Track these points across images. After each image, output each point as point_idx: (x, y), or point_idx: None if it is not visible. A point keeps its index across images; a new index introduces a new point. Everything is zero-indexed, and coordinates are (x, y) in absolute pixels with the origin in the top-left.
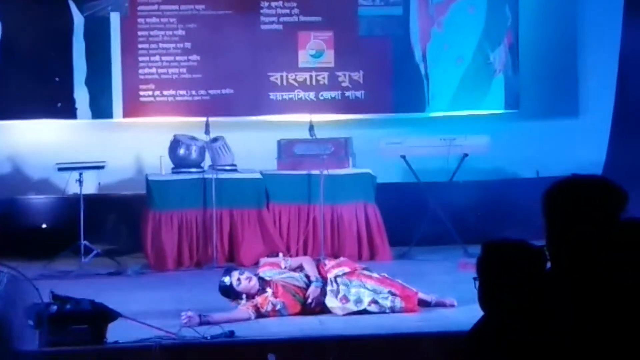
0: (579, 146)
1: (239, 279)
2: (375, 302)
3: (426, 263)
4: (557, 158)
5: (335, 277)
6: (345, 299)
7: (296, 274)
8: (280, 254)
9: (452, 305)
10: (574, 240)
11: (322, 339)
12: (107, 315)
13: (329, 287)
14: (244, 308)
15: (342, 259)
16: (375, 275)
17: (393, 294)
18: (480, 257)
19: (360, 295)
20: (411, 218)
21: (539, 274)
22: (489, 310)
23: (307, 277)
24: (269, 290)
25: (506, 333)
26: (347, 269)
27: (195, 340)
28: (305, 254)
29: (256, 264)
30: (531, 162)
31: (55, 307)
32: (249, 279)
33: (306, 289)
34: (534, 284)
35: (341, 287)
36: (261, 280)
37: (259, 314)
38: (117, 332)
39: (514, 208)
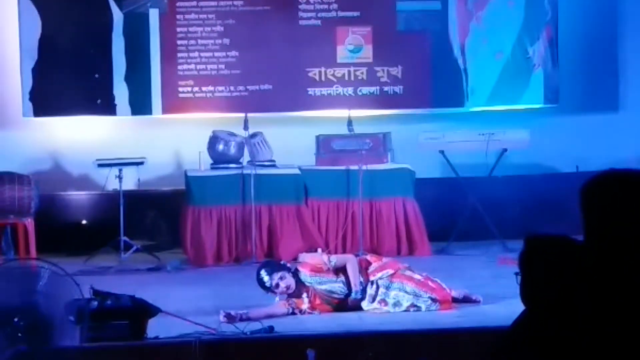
0: (618, 141)
1: (277, 284)
2: (414, 306)
3: (465, 258)
4: (597, 153)
5: (379, 279)
6: (384, 302)
7: (337, 285)
8: (319, 250)
9: (478, 301)
10: (611, 236)
11: (361, 334)
12: (147, 310)
13: (368, 291)
14: (282, 303)
15: (385, 259)
16: (417, 277)
17: (433, 300)
18: (523, 252)
19: (400, 299)
20: (450, 213)
21: (582, 270)
22: (530, 305)
23: (348, 286)
24: (306, 299)
25: (547, 330)
26: (390, 271)
27: (235, 335)
28: (344, 249)
29: (295, 259)
30: (570, 156)
31: (95, 303)
32: (288, 286)
33: (345, 299)
34: (576, 281)
35: (380, 290)
36: (300, 284)
37: (294, 313)
38: (157, 328)
39: (553, 203)
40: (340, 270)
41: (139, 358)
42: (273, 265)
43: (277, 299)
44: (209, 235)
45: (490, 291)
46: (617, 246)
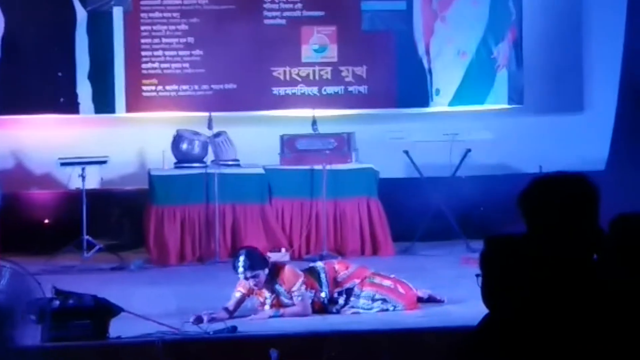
0: (582, 142)
1: (247, 278)
2: (382, 310)
3: (429, 258)
4: (561, 153)
5: (346, 289)
6: (353, 309)
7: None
8: (283, 249)
9: (442, 301)
10: (555, 238)
11: (324, 334)
12: (110, 310)
13: (339, 301)
14: (243, 283)
15: (352, 267)
16: (386, 283)
17: (401, 306)
18: (483, 252)
19: (368, 307)
20: (414, 213)
21: (542, 269)
22: (492, 306)
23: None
24: (268, 300)
25: (510, 331)
26: (356, 281)
27: (197, 335)
28: (308, 249)
29: None
30: (534, 157)
31: (57, 302)
32: (257, 284)
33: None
34: (537, 280)
35: (351, 299)
36: (270, 286)
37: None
38: (119, 328)
39: (516, 203)
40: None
41: (101, 358)
42: (253, 260)
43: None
44: (172, 235)
45: (454, 291)
46: (556, 243)
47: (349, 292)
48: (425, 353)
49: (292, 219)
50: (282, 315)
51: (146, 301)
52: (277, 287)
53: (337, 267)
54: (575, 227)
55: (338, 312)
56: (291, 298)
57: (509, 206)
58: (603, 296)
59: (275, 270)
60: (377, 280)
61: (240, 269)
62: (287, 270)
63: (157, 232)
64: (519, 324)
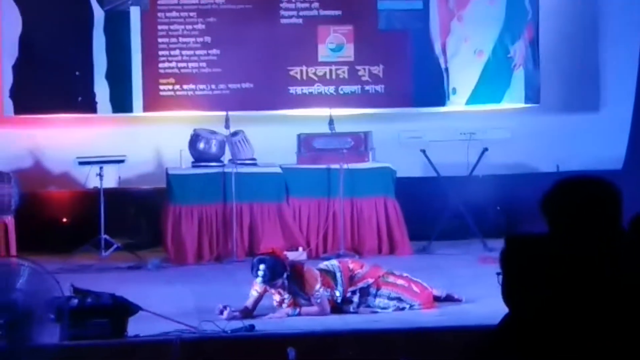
0: (599, 141)
1: (265, 289)
2: (398, 309)
3: (446, 257)
4: (577, 152)
5: (360, 289)
6: (369, 308)
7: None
8: (300, 248)
9: (459, 300)
10: (577, 239)
11: (341, 333)
12: (128, 309)
13: (354, 300)
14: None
15: (366, 266)
16: (400, 282)
17: (417, 305)
18: (504, 251)
19: (384, 306)
20: (431, 212)
21: (564, 269)
22: (512, 305)
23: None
24: (287, 301)
25: (530, 330)
26: (370, 280)
27: (215, 334)
28: (325, 248)
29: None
30: (551, 156)
31: (76, 301)
32: (274, 292)
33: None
34: (559, 280)
35: (367, 298)
36: (289, 288)
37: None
38: (137, 326)
39: (533, 202)
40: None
41: (120, 356)
42: (275, 271)
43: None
44: (189, 234)
45: (471, 290)
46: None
47: (363, 291)
48: (442, 352)
49: (309, 218)
50: (299, 314)
51: (164, 300)
52: (296, 289)
53: (351, 266)
54: (598, 228)
55: (355, 311)
56: (309, 299)
57: (526, 205)
58: (624, 296)
59: (294, 273)
60: (391, 279)
61: (259, 279)
62: (307, 274)
63: (174, 231)
64: (540, 323)
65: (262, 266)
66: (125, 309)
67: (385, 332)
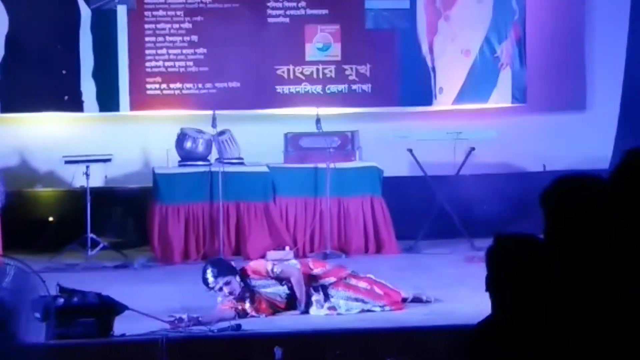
0: (585, 140)
1: (221, 288)
2: (364, 310)
3: (433, 257)
4: (564, 152)
5: (322, 285)
6: (334, 309)
7: (280, 289)
8: (287, 247)
9: (429, 301)
10: (572, 235)
11: (328, 332)
12: (114, 308)
13: (314, 297)
14: (227, 308)
15: (329, 266)
16: (362, 285)
17: (382, 306)
18: (491, 248)
19: (349, 307)
20: (418, 211)
21: (549, 269)
22: (495, 298)
23: (292, 296)
24: (248, 303)
25: (514, 328)
26: (332, 279)
27: (202, 333)
28: (312, 247)
29: (263, 257)
30: (538, 155)
31: (62, 300)
32: (232, 291)
33: (286, 304)
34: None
35: (331, 299)
36: (246, 288)
37: (240, 316)
38: (124, 325)
39: (520, 202)
40: (285, 279)
41: (106, 355)
42: (221, 267)
43: (219, 299)
44: (176, 233)
45: (458, 289)
46: (578, 244)
47: (324, 289)
48: (428, 352)
49: (296, 217)
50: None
51: (150, 299)
52: (252, 282)
53: (311, 264)
54: (595, 226)
55: (320, 305)
56: (277, 284)
57: (512, 204)
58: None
59: (244, 273)
60: (353, 281)
61: (211, 279)
62: (252, 263)
63: (161, 230)
64: (526, 321)
65: (208, 268)
66: (111, 308)
67: (372, 332)
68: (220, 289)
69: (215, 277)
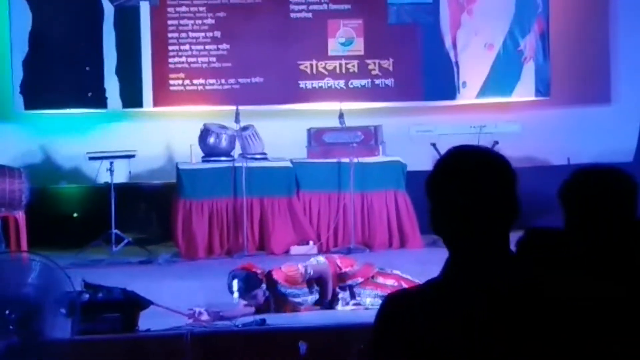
0: (610, 133)
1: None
2: None
3: None
4: (588, 145)
5: (349, 285)
6: (359, 305)
7: (310, 297)
8: (311, 242)
9: None
10: (592, 227)
11: (352, 326)
12: (139, 303)
13: (340, 295)
14: (246, 307)
15: (357, 265)
16: (389, 282)
17: None
18: (521, 240)
19: (374, 304)
20: None
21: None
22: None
23: (321, 296)
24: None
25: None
26: (360, 279)
27: (226, 328)
28: (335, 242)
29: (287, 252)
30: (562, 149)
31: (87, 296)
32: (257, 304)
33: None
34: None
35: (357, 297)
36: (271, 296)
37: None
38: (148, 320)
39: (544, 195)
40: (315, 280)
41: (131, 351)
42: (248, 283)
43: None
44: (200, 228)
45: None
46: (598, 236)
47: (351, 289)
48: None
49: (320, 212)
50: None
51: (175, 294)
52: (282, 289)
53: (339, 262)
54: (614, 218)
55: (346, 303)
56: (309, 290)
57: (536, 198)
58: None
59: (271, 277)
60: (381, 280)
61: (236, 294)
62: (285, 269)
63: (185, 226)
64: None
65: (235, 281)
66: (136, 303)
67: None
68: (246, 301)
69: (242, 294)
